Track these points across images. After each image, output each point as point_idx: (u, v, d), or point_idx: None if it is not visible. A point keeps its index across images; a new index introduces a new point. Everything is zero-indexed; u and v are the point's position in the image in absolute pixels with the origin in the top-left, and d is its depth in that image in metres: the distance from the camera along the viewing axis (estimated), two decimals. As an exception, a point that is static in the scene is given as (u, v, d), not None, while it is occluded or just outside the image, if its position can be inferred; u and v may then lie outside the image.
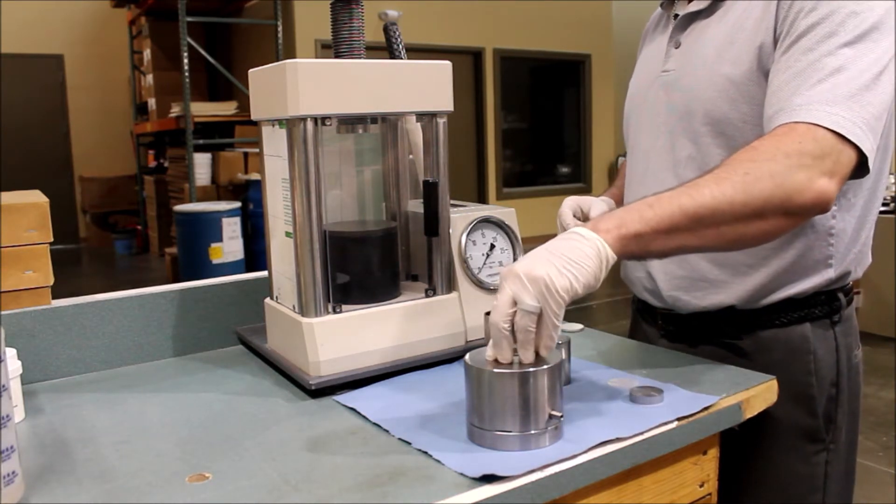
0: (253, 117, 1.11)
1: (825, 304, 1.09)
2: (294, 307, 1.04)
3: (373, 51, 1.04)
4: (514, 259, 1.16)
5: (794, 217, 0.91)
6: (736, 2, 1.07)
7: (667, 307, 1.18)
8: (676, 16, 1.16)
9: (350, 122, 1.08)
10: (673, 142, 1.12)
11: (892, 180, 4.65)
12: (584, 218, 1.19)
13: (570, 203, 1.20)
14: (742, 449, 1.09)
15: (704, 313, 1.13)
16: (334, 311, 1.03)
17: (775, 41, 1.00)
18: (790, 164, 0.88)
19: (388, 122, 1.16)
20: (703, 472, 0.95)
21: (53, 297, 1.14)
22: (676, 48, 1.14)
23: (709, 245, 0.92)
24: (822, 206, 0.90)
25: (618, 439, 0.82)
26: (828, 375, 1.09)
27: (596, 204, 1.19)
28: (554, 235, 1.21)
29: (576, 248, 0.82)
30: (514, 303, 0.79)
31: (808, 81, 0.93)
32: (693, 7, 1.12)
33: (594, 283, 0.83)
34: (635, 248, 0.86)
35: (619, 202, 1.30)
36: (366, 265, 1.09)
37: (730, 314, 1.11)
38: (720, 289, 1.10)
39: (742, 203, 0.87)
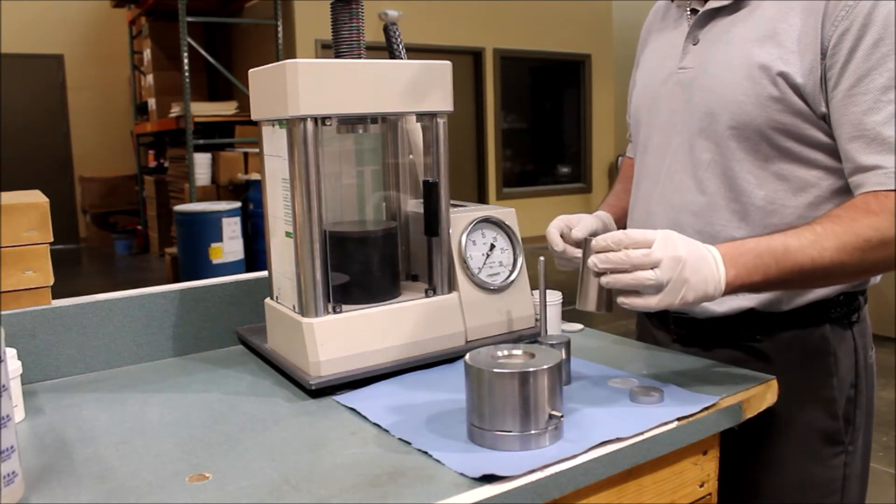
0: (253, 117, 1.11)
1: (844, 304, 1.08)
2: (294, 307, 1.04)
3: (373, 51, 1.04)
4: (515, 259, 1.16)
5: None
6: (763, 1, 1.02)
7: (682, 311, 1.13)
8: (694, 11, 1.11)
9: (350, 122, 1.08)
10: (692, 143, 1.08)
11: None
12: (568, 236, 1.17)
13: (558, 223, 1.17)
14: (759, 451, 1.07)
15: (722, 317, 1.09)
16: (334, 311, 1.03)
17: (822, 53, 0.97)
18: None
19: (388, 122, 1.16)
20: (703, 472, 0.95)
21: (53, 297, 1.14)
22: (695, 45, 1.09)
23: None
24: None
25: (618, 439, 0.82)
26: (847, 377, 1.08)
27: (584, 221, 1.17)
28: None
29: (706, 275, 0.88)
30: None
31: (882, 133, 0.94)
32: (714, 4, 1.07)
33: (675, 307, 0.88)
34: (744, 292, 0.96)
35: (620, 214, 1.27)
36: (366, 265, 1.09)
37: (748, 317, 1.08)
38: (742, 295, 1.06)
39: (858, 268, 0.94)
